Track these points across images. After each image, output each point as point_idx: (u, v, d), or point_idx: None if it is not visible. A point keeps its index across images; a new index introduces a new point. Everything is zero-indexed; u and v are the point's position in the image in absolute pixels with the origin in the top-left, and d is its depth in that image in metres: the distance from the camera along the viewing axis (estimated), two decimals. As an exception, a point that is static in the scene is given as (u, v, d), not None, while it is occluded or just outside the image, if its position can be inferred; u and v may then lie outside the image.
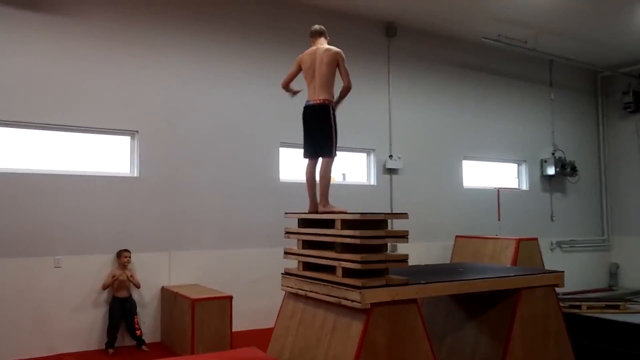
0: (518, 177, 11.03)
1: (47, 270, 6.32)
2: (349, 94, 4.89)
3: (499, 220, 9.89)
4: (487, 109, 10.40)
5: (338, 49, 4.78)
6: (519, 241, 8.32)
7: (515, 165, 11.02)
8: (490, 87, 10.48)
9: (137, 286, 6.72)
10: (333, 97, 4.77)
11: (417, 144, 9.42)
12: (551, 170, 10.90)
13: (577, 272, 10.59)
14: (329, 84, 4.74)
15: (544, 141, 11.15)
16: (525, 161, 10.93)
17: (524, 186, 10.96)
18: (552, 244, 10.91)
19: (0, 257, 6.08)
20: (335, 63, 4.74)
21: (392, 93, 9.18)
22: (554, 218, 11.06)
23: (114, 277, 6.54)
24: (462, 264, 6.39)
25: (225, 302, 6.25)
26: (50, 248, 6.36)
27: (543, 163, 11.03)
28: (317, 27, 5.02)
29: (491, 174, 10.64)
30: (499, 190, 10.12)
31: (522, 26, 9.30)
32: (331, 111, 4.72)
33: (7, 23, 6.25)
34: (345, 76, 4.77)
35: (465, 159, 10.09)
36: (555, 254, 10.86)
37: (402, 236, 4.27)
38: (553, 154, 11.06)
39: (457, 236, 9.28)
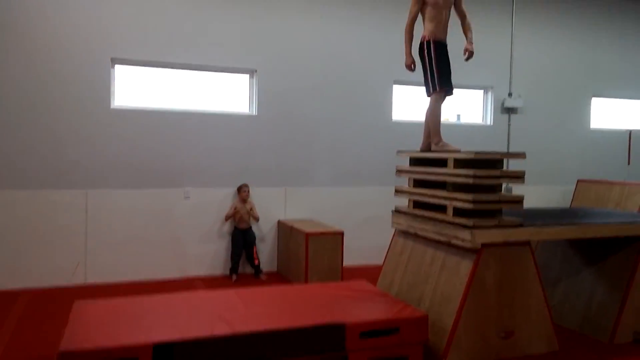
0: (655, 118, 10.03)
1: (178, 200, 6.93)
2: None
3: (629, 164, 9.14)
4: (623, 40, 9.40)
5: None
6: (650, 187, 7.68)
7: (653, 104, 10.00)
8: (629, 15, 9.41)
9: (256, 219, 7.17)
10: (430, 33, 4.73)
11: (540, 81, 8.83)
12: (697, 110, 9.78)
13: None
14: (423, 20, 4.80)
15: (690, 77, 9.96)
16: (665, 99, 9.88)
17: (662, 127, 9.97)
18: (691, 191, 9.93)
19: (139, 188, 6.75)
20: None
21: (515, 25, 8.60)
22: (696, 163, 10.01)
23: (235, 209, 7.03)
24: (582, 209, 6.08)
25: (337, 238, 6.50)
26: (181, 180, 6.94)
27: (687, 102, 9.91)
28: None
29: (623, 114, 9.76)
30: (630, 132, 9.29)
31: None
32: (426, 46, 4.73)
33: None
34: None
35: (594, 96, 9.32)
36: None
37: (518, 177, 4.16)
38: (701, 91, 9.87)
39: (579, 180, 8.75)
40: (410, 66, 4.91)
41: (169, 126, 6.86)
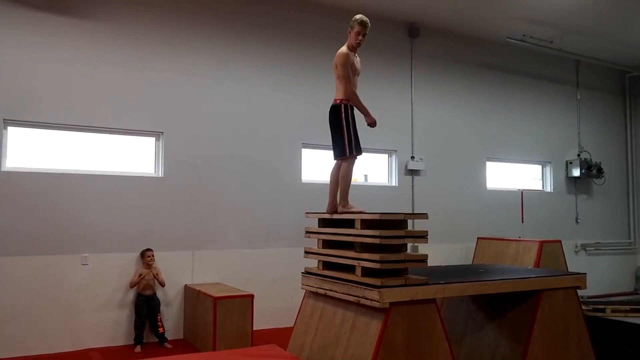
0: (542, 179, 10.90)
1: (74, 267, 6.48)
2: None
3: (523, 222, 9.79)
4: (512, 110, 10.31)
5: (340, 51, 4.66)
6: (542, 243, 8.22)
7: (540, 166, 10.89)
8: (515, 87, 10.39)
9: (162, 285, 6.84)
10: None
11: (439, 145, 9.39)
12: (576, 172, 10.75)
13: (602, 275, 10.42)
14: (339, 84, 4.68)
15: (570, 142, 11.00)
16: (550, 162, 10.80)
17: (548, 188, 10.82)
18: (576, 246, 10.76)
19: (30, 255, 6.26)
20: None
21: (414, 94, 9.16)
22: (579, 220, 10.90)
23: (140, 275, 6.68)
24: (482, 265, 6.36)
25: (246, 301, 6.33)
26: (78, 246, 6.52)
27: (568, 164, 10.88)
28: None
29: (515, 176, 10.54)
30: (522, 192, 10.02)
31: (548, 26, 9.19)
32: (342, 110, 4.64)
33: (37, 27, 6.44)
34: (341, 79, 4.63)
35: (488, 160, 10.02)
36: (580, 257, 10.70)
37: (422, 236, 4.28)
38: (579, 155, 10.90)
39: (479, 238, 9.22)
40: (375, 122, 4.79)
41: (67, 189, 6.50)
